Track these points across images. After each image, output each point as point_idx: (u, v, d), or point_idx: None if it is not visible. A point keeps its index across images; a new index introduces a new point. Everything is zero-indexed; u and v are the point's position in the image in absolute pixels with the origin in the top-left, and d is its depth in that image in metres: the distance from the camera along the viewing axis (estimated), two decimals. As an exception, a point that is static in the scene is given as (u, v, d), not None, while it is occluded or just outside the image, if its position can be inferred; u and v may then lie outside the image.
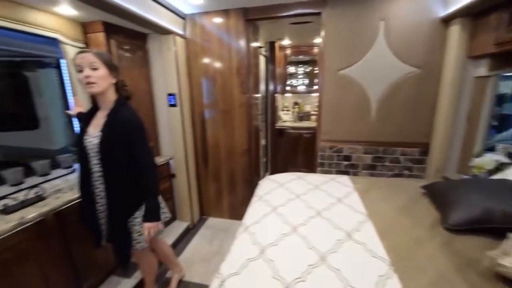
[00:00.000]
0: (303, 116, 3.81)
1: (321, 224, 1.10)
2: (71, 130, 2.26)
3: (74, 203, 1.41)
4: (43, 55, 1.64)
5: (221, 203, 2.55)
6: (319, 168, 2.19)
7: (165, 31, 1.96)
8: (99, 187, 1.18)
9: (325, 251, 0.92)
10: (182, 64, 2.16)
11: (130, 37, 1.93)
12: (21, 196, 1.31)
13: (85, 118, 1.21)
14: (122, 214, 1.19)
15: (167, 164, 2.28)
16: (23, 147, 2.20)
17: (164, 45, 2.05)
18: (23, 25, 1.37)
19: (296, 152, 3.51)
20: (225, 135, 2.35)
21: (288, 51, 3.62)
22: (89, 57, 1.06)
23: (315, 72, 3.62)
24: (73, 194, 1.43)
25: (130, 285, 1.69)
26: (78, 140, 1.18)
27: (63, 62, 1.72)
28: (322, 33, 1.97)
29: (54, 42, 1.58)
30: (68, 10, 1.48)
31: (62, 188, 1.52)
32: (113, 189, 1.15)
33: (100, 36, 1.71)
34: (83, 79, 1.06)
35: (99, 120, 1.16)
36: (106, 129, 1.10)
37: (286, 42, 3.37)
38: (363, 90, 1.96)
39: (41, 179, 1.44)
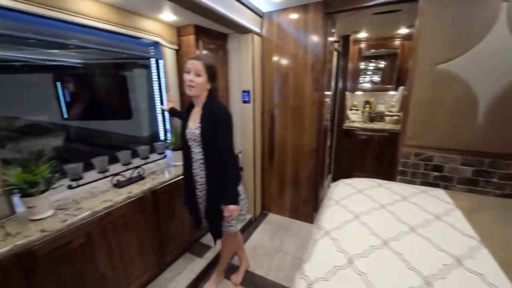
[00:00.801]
0: (375, 116, 3.46)
1: (418, 242, 0.96)
2: (154, 121, 2.68)
3: (166, 184, 1.62)
4: (146, 56, 1.92)
5: (283, 200, 2.55)
6: (399, 177, 1.94)
7: (245, 30, 2.04)
8: (200, 174, 1.35)
9: (429, 275, 0.79)
10: (257, 62, 2.22)
11: (214, 38, 2.08)
12: (128, 174, 1.57)
13: (185, 116, 1.39)
14: (218, 197, 1.33)
15: (236, 157, 2.40)
16: (120, 133, 2.68)
17: (243, 44, 2.13)
18: (134, 30, 1.62)
19: (364, 156, 3.22)
20: (293, 134, 2.32)
21: (363, 45, 3.32)
22: (198, 65, 1.22)
23: (393, 67, 3.23)
24: (164, 177, 1.64)
25: (201, 265, 1.85)
26: (181, 134, 1.37)
27: (161, 62, 1.96)
28: (417, 22, 1.72)
29: (155, 45, 1.83)
30: (169, 16, 1.68)
31: (155, 171, 1.76)
32: (212, 174, 1.30)
33: (191, 38, 1.90)
34: (187, 81, 1.24)
35: (195, 115, 1.33)
36: (203, 120, 1.26)
37: (362, 35, 3.09)
38: (468, 89, 1.62)
39: (141, 161, 1.70)
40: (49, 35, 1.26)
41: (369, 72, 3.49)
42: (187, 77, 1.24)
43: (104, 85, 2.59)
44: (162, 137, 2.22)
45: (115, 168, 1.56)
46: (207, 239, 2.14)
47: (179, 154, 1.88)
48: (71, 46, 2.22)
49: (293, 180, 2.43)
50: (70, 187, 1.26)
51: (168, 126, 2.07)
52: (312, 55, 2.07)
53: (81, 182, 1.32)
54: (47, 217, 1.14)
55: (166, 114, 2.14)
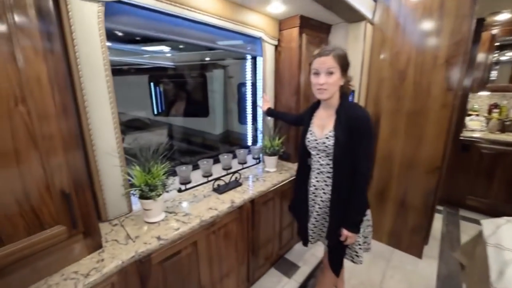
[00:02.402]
0: (510, 125, 2.60)
1: None
2: (226, 120, 2.62)
3: (263, 194, 1.46)
4: (247, 53, 1.81)
5: (380, 222, 2.10)
6: None
7: (356, 18, 1.71)
8: (323, 188, 1.12)
9: None
10: (366, 56, 1.86)
11: (317, 30, 1.82)
12: (226, 179, 1.47)
13: (307, 119, 1.17)
14: (343, 220, 1.07)
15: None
16: (198, 130, 2.75)
17: (351, 35, 1.81)
18: (241, 25, 1.50)
19: (490, 176, 2.44)
20: (406, 145, 1.86)
21: (497, 30, 2.52)
22: (329, 62, 0.98)
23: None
24: (261, 185, 1.49)
25: (289, 286, 1.63)
26: (302, 141, 1.16)
27: (259, 60, 1.83)
28: None
29: (256, 41, 1.69)
30: (278, 7, 1.50)
31: (250, 177, 1.63)
32: (341, 191, 1.04)
33: (294, 32, 1.69)
34: (316, 84, 1.02)
35: (325, 120, 1.09)
36: (339, 129, 1.00)
37: (502, 16, 2.33)
38: None
39: (238, 165, 1.58)
40: (167, 32, 1.23)
41: (501, 66, 2.65)
42: (316, 80, 1.02)
43: (188, 85, 2.70)
44: (249, 138, 2.11)
45: (217, 170, 1.48)
46: (293, 255, 1.92)
47: (273, 160, 1.71)
48: (180, 47, 2.38)
49: (399, 201, 1.97)
50: (179, 190, 1.21)
51: (260, 127, 1.93)
52: (449, 45, 1.58)
53: (188, 185, 1.26)
54: (159, 221, 1.10)
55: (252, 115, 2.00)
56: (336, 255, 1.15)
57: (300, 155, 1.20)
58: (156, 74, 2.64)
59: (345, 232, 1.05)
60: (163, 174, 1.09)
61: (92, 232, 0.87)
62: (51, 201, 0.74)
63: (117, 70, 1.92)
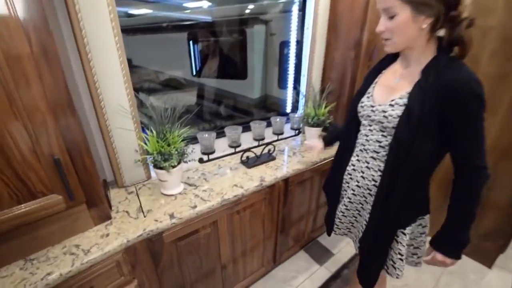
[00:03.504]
0: None
1: None
2: (265, 83, 2.28)
3: (300, 173, 1.21)
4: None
5: (438, 220, 1.71)
6: None
7: None
8: (355, 165, 0.83)
9: None
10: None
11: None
12: (258, 151, 1.24)
13: (369, 77, 0.82)
14: (391, 221, 0.77)
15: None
16: (234, 93, 2.50)
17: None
18: None
19: None
20: (507, 126, 1.34)
21: None
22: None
23: None
24: (298, 161, 1.23)
25: (321, 275, 1.46)
26: (353, 104, 0.83)
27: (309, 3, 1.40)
28: None
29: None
30: None
31: (285, 149, 1.38)
32: (401, 185, 0.70)
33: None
34: (378, 32, 0.67)
35: (395, 81, 0.72)
36: (416, 98, 0.63)
37: None
38: None
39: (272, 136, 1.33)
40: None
41: None
42: (378, 27, 0.66)
43: (227, 43, 2.38)
44: (288, 105, 1.80)
45: (248, 139, 1.26)
46: (327, 240, 1.72)
47: (315, 132, 1.40)
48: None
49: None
50: (201, 160, 1.04)
51: (303, 90, 1.59)
52: None
53: (212, 156, 1.07)
54: (177, 194, 0.96)
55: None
56: (369, 266, 0.84)
57: (347, 122, 0.89)
58: (194, 31, 2.39)
59: (439, 257, 0.74)
60: (181, 141, 0.91)
61: (97, 202, 0.76)
62: (41, 168, 0.61)
63: (155, 28, 1.75)
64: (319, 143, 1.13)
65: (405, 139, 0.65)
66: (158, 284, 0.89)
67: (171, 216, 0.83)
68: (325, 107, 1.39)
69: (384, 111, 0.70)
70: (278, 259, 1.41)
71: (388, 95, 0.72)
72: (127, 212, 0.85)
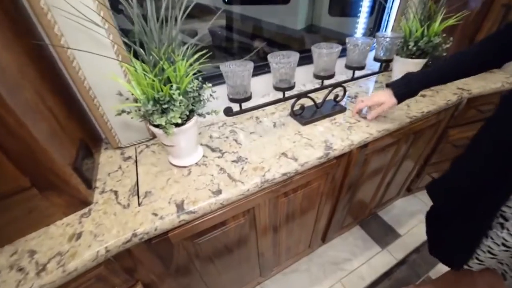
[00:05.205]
0: None
1: None
2: (313, 10, 1.61)
3: (386, 135, 0.76)
4: None
5: None
6: None
7: None
8: None
9: None
10: None
11: None
12: (319, 97, 0.78)
13: None
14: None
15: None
16: (272, 23, 1.86)
17: None
18: None
19: None
20: None
21: None
22: None
23: None
24: (384, 118, 0.75)
25: (383, 260, 1.14)
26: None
27: None
28: None
29: None
30: None
31: (360, 93, 0.89)
32: None
33: None
34: None
35: None
36: None
37: None
38: None
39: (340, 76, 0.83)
40: None
41: None
42: None
43: None
44: (361, 26, 1.18)
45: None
46: (390, 216, 1.34)
47: (413, 66, 0.85)
48: None
49: None
50: (228, 111, 0.63)
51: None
52: None
53: (246, 105, 0.65)
54: (191, 165, 0.61)
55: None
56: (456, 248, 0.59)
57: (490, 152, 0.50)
58: None
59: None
60: (194, 79, 0.50)
61: (56, 184, 0.45)
62: None
63: None
64: (391, 98, 0.65)
65: None
66: (174, 281, 0.65)
67: (179, 207, 0.50)
68: (442, 21, 0.79)
69: None
70: (329, 237, 1.11)
71: None
72: (115, 193, 0.54)
